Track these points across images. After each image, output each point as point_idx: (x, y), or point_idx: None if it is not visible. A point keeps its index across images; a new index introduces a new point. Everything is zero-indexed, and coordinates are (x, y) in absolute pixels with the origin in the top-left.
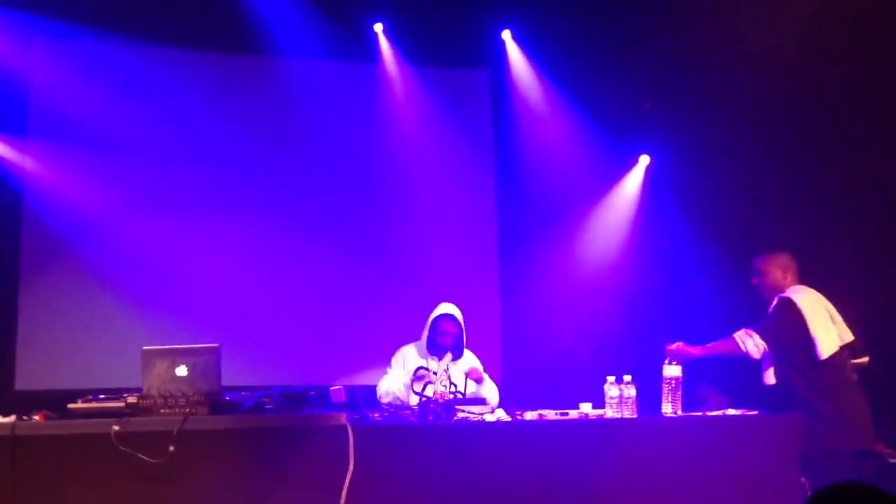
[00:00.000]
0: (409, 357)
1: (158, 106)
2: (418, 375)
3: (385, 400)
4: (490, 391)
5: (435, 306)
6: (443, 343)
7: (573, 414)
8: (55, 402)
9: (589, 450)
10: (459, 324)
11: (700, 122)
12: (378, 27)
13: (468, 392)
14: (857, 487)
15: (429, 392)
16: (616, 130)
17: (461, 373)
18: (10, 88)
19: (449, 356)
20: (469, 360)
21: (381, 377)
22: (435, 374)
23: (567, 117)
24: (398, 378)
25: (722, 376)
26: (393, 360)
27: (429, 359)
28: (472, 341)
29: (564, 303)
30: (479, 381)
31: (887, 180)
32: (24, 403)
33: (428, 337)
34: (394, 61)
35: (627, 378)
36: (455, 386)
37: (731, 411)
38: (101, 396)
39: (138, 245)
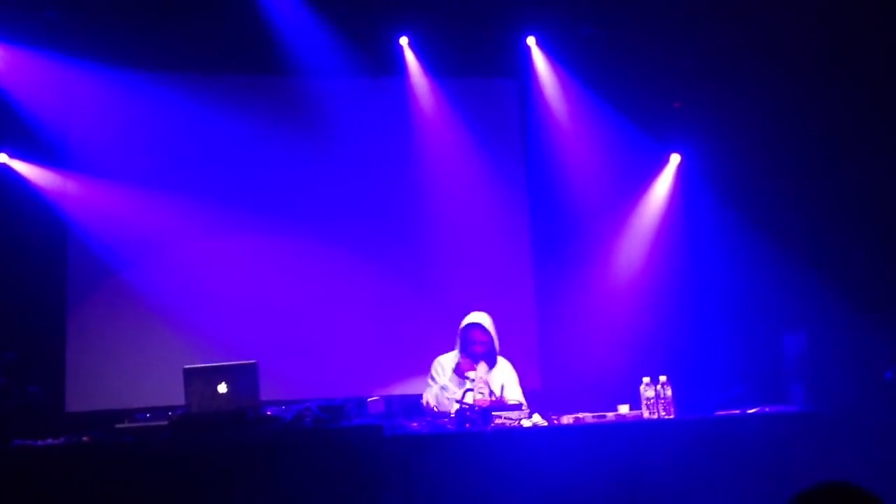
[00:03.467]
0: (446, 366)
1: (192, 131)
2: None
3: (431, 406)
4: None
5: (470, 314)
6: (474, 352)
7: (610, 416)
8: (104, 422)
9: (626, 451)
10: (489, 332)
11: (730, 120)
12: (403, 40)
13: (504, 397)
14: (839, 486)
15: (468, 399)
16: (645, 131)
17: (498, 381)
18: (54, 123)
19: (484, 365)
20: (503, 367)
21: (424, 388)
22: (473, 381)
23: (595, 120)
24: (441, 389)
25: (752, 375)
26: (432, 372)
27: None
28: (509, 347)
29: (600, 305)
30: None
31: None
32: (74, 425)
33: (460, 347)
34: (420, 74)
35: (663, 378)
36: (493, 393)
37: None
38: (147, 415)
39: (177, 267)
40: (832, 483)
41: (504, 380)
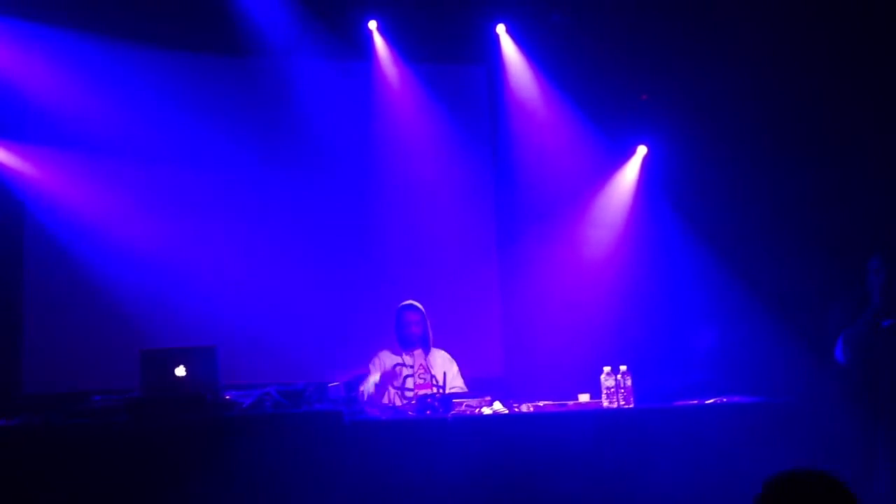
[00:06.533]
0: (384, 358)
1: (155, 109)
2: (395, 372)
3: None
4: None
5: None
6: (409, 333)
7: (570, 404)
8: (61, 404)
9: (585, 439)
10: (422, 313)
11: (697, 114)
12: (372, 24)
13: (447, 385)
14: (808, 474)
15: (409, 384)
16: (613, 122)
17: (439, 369)
18: (9, 95)
19: (421, 351)
20: (442, 356)
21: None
22: (412, 367)
23: (564, 110)
24: (375, 382)
25: (716, 364)
26: (371, 365)
27: (403, 355)
28: (472, 334)
29: (564, 295)
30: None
31: (880, 179)
32: (30, 407)
33: (397, 332)
34: (389, 59)
35: (623, 368)
36: (434, 378)
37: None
38: (104, 398)
39: (138, 248)
40: (801, 470)
41: (446, 368)
